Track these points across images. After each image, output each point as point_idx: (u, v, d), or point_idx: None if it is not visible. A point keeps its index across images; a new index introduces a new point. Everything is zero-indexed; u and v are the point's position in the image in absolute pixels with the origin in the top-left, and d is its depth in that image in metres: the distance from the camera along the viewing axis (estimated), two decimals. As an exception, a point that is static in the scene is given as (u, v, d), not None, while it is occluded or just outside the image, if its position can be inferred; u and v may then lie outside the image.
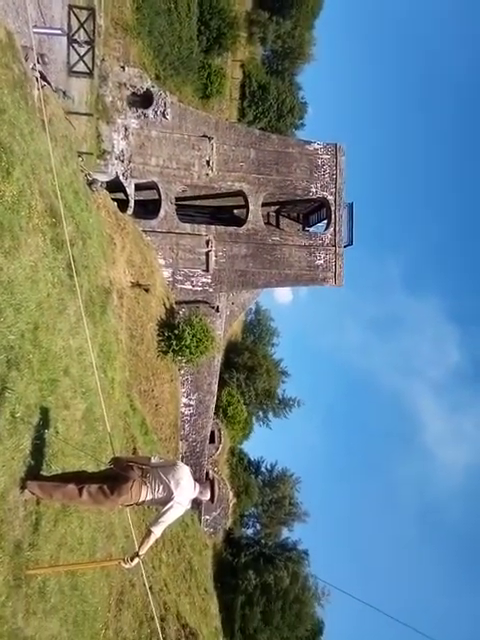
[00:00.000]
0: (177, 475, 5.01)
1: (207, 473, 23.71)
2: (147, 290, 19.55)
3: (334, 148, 22.62)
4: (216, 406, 25.82)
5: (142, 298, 19.58)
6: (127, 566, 4.78)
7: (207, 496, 5.31)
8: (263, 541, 35.55)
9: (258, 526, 38.23)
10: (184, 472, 5.10)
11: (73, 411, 6.81)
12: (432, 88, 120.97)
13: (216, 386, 24.15)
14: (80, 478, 4.95)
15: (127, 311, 18.86)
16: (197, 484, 5.21)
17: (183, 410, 23.12)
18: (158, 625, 8.17)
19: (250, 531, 38.04)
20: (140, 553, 4.78)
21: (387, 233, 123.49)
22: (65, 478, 5.00)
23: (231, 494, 29.20)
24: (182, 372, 22.33)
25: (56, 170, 8.10)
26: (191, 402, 23.38)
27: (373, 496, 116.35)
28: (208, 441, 25.33)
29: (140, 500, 4.93)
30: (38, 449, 5.17)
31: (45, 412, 5.53)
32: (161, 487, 4.93)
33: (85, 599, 6.56)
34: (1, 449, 4.42)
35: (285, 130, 35.18)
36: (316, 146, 22.57)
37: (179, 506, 4.92)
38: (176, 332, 19.85)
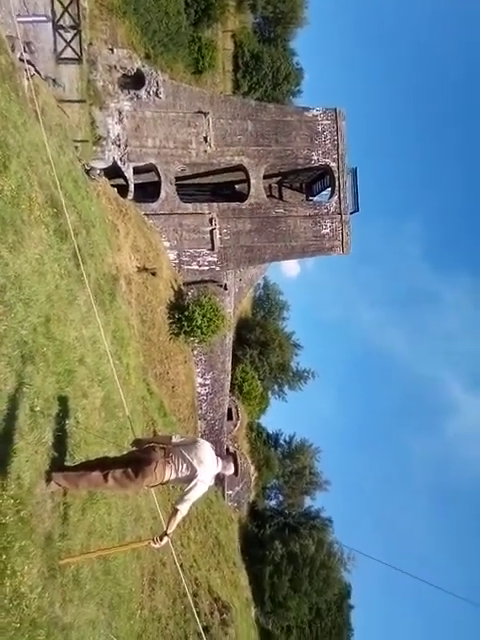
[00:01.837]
0: (199, 452, 5.04)
1: (227, 448, 24.01)
2: (154, 274, 19.51)
3: (334, 113, 22.10)
4: (231, 383, 25.97)
5: (150, 282, 19.56)
6: (157, 546, 4.86)
7: (231, 470, 5.35)
8: (287, 511, 36.14)
9: (281, 497, 38.84)
10: (206, 448, 5.14)
11: (92, 400, 6.86)
12: (429, 45, 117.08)
13: (230, 364, 24.25)
14: (104, 464, 5.01)
15: (136, 296, 18.88)
16: (220, 459, 5.24)
17: (199, 390, 23.30)
18: (191, 600, 8.35)
19: (273, 503, 38.70)
20: (168, 532, 4.84)
21: (396, 200, 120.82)
22: (89, 466, 5.06)
23: (252, 468, 29.60)
24: (195, 353, 22.42)
25: (53, 160, 8.01)
26: (206, 381, 23.53)
27: (389, 464, 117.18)
28: (226, 418, 25.58)
29: (165, 480, 4.98)
30: (60, 440, 5.23)
31: (64, 403, 5.58)
32: (184, 465, 4.97)
33: (118, 582, 6.71)
34: (23, 444, 4.46)
35: (282, 98, 34.43)
36: (315, 112, 22.07)
37: (203, 483, 4.97)
38: (186, 313, 19.88)
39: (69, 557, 4.78)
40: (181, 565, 10.21)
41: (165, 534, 4.90)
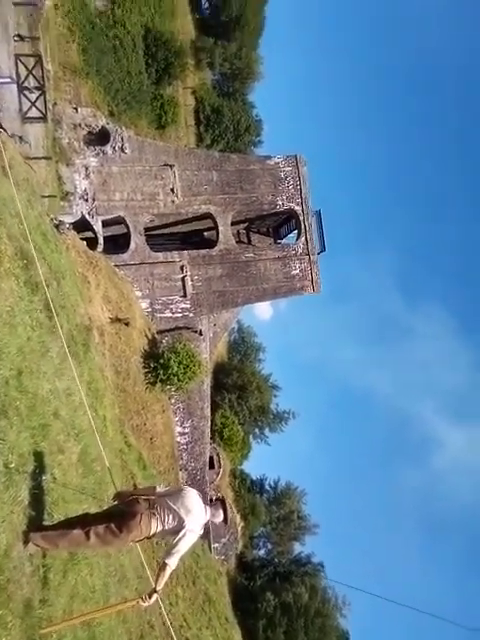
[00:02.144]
0: (186, 501, 4.85)
1: (211, 498, 23.31)
2: (127, 324, 19.38)
3: (294, 159, 22.95)
4: (211, 430, 25.54)
5: (123, 332, 19.39)
6: (146, 604, 4.58)
7: (220, 517, 5.15)
8: (276, 559, 35.03)
9: (269, 545, 37.72)
10: (193, 496, 4.94)
11: (68, 455, 6.62)
12: (378, 85, 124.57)
13: (209, 410, 23.91)
14: (85, 521, 4.76)
15: (109, 347, 18.64)
16: (208, 507, 5.05)
17: (179, 439, 22.79)
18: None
19: (262, 552, 37.55)
20: (157, 588, 4.58)
21: (366, 238, 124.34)
22: (69, 524, 4.80)
23: (238, 517, 28.74)
24: (173, 401, 22.06)
25: (22, 214, 8.02)
26: (186, 430, 23.07)
27: (377, 500, 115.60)
28: (208, 467, 24.98)
29: (151, 533, 4.74)
30: (37, 498, 4.98)
31: (40, 459, 5.35)
32: (171, 516, 4.75)
33: (105, 649, 6.30)
34: (-1, 504, 4.24)
35: (244, 149, 35.66)
36: (276, 160, 22.88)
37: (192, 533, 4.76)
38: (161, 361, 19.67)
39: (51, 625, 4.46)
40: (170, 625, 9.65)
41: (154, 591, 4.63)
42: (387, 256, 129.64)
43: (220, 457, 28.44)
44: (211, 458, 26.66)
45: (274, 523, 36.69)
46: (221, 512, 5.21)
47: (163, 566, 4.68)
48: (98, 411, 10.47)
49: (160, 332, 20.98)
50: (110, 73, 22.62)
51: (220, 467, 28.19)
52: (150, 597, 4.60)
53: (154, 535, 4.86)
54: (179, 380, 19.91)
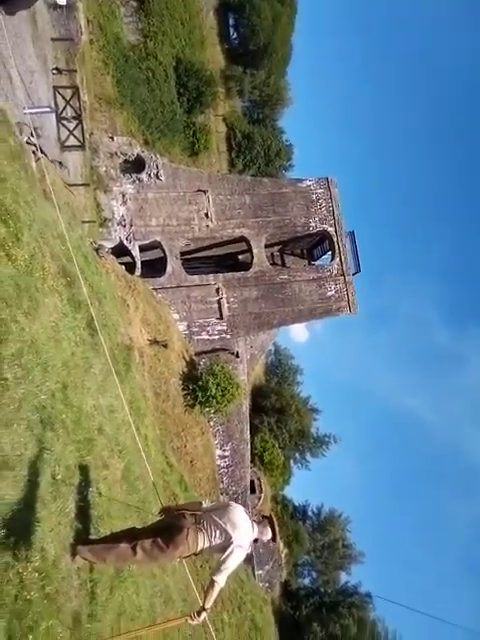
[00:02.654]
0: (233, 517, 4.68)
1: (262, 514, 22.78)
2: (165, 346, 19.49)
3: (326, 182, 23.04)
4: (251, 454, 25.19)
5: (162, 354, 19.51)
6: (194, 622, 4.40)
7: (268, 535, 4.94)
8: (322, 589, 33.85)
9: (314, 574, 36.50)
10: (239, 512, 4.77)
11: (113, 471, 6.58)
12: (405, 103, 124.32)
13: (248, 433, 23.63)
14: (132, 535, 4.65)
15: (149, 369, 18.76)
16: (255, 524, 4.87)
17: (219, 462, 22.55)
18: None
19: (307, 580, 36.34)
20: (206, 606, 4.41)
21: (409, 261, 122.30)
22: (116, 538, 4.70)
23: (281, 544, 28.01)
24: (212, 423, 21.92)
25: (63, 236, 8.21)
26: (226, 453, 22.83)
27: (423, 527, 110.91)
28: (249, 491, 24.57)
29: (198, 549, 4.58)
30: (83, 512, 4.92)
31: (85, 472, 5.32)
32: (218, 532, 4.60)
33: (152, 672, 6.11)
34: (46, 514, 4.19)
35: (275, 173, 35.99)
36: (308, 183, 22.99)
37: (240, 549, 4.57)
38: (200, 383, 19.63)
39: (100, 640, 4.35)
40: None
41: (203, 609, 4.45)
42: (429, 279, 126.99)
43: (261, 481, 27.95)
44: (252, 482, 26.24)
45: (318, 551, 35.59)
46: (269, 530, 5.01)
47: (211, 583, 4.50)
48: (140, 430, 10.45)
49: (198, 354, 21.02)
50: (144, 103, 23.38)
51: (261, 492, 27.67)
52: (199, 615, 4.43)
53: (201, 551, 4.69)
54: (218, 402, 19.80)
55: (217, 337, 21.69)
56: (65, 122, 12.78)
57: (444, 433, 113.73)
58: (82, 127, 13.11)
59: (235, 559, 4.59)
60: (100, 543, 4.72)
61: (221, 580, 4.47)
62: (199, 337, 21.24)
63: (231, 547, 4.54)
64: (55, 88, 12.82)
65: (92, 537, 4.93)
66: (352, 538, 37.38)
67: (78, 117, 12.94)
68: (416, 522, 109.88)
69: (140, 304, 18.49)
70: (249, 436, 23.77)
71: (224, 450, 22.77)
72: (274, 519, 5.12)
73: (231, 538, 4.57)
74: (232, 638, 10.82)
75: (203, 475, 20.88)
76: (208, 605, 4.46)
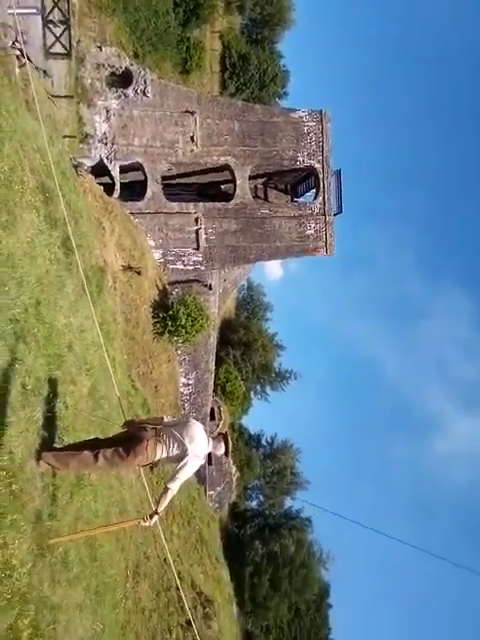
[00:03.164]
0: (191, 431, 5.07)
1: (219, 432, 23.84)
2: (139, 273, 19.45)
3: (319, 115, 22.32)
4: (214, 383, 25.96)
5: (135, 281, 19.50)
6: (146, 524, 4.85)
7: (222, 450, 5.37)
8: (268, 512, 36.25)
9: (262, 498, 38.92)
10: (197, 428, 5.16)
11: (80, 387, 6.85)
12: (414, 47, 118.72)
13: (213, 364, 24.24)
14: (94, 445, 5.02)
15: (121, 295, 18.80)
16: (211, 439, 5.27)
17: (182, 389, 23.23)
18: (182, 592, 8.36)
19: (254, 503, 38.81)
20: (158, 510, 4.85)
21: (391, 208, 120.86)
22: (79, 446, 5.06)
23: (234, 468, 29.57)
24: (179, 352, 22.36)
25: (44, 150, 7.99)
26: (190, 381, 23.47)
27: (370, 469, 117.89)
28: (209, 418, 25.56)
29: (156, 458, 4.98)
30: (50, 422, 5.22)
31: (54, 386, 5.57)
32: (176, 444, 4.98)
33: (104, 570, 6.69)
34: (15, 420, 4.46)
35: (268, 100, 34.65)
36: (301, 114, 22.26)
37: (195, 459, 4.97)
38: (171, 313, 19.84)
39: (58, 537, 4.77)
40: (165, 559, 10.19)
41: (155, 513, 4.91)
42: (409, 228, 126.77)
43: (221, 409, 29.02)
44: (212, 410, 27.23)
45: (268, 477, 37.78)
46: (222, 445, 5.42)
47: (165, 490, 4.94)
48: (108, 352, 10.70)
49: (171, 283, 21.06)
50: (137, 11, 21.82)
51: (221, 419, 28.80)
52: (151, 518, 4.88)
53: (159, 461, 5.10)
54: (187, 332, 20.12)
55: (192, 268, 21.67)
56: (51, 26, 11.94)
57: (400, 383, 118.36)
58: (69, 33, 12.28)
59: (189, 469, 5.01)
60: (64, 450, 5.06)
61: (174, 487, 4.91)
62: (174, 266, 21.19)
63: (186, 458, 4.95)
64: (43, -15, 11.86)
65: (56, 446, 5.25)
66: (300, 467, 39.72)
67: (66, 22, 12.09)
68: (362, 459, 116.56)
69: (116, 228, 18.22)
70: (214, 367, 24.41)
71: (188, 378, 23.39)
72: (228, 436, 5.54)
73: (187, 450, 4.97)
74: (180, 548, 11.73)
75: (166, 401, 21.56)
76: (160, 509, 4.91)
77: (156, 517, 4.84)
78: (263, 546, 30.70)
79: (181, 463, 4.93)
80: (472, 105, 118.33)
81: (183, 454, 4.95)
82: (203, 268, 21.65)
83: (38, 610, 4.06)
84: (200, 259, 21.55)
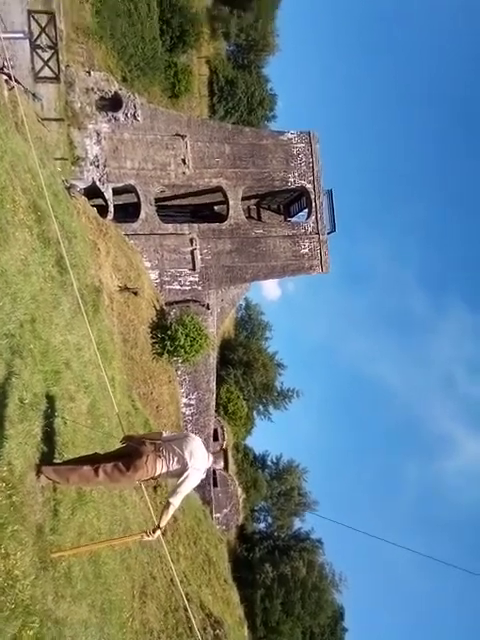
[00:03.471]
0: (190, 445, 5.05)
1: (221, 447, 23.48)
2: (136, 293, 19.51)
3: (308, 136, 22.74)
4: (216, 404, 25.84)
5: (132, 302, 19.54)
6: (149, 538, 4.81)
7: (221, 465, 5.34)
8: (276, 534, 35.70)
9: (269, 519, 38.42)
10: (196, 442, 5.15)
11: (78, 404, 6.80)
12: (401, 61, 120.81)
13: (214, 383, 24.14)
14: (95, 459, 4.97)
15: (118, 315, 18.82)
16: (210, 454, 5.24)
17: (184, 410, 23.09)
18: (191, 613, 8.18)
19: (262, 525, 38.31)
20: (161, 525, 4.81)
21: (380, 218, 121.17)
22: (80, 461, 5.01)
23: (240, 490, 29.19)
24: (179, 372, 22.30)
25: (35, 170, 8.08)
26: (191, 401, 23.35)
27: (377, 486, 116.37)
28: (212, 439, 25.35)
29: (156, 474, 4.95)
30: (49, 437, 5.17)
31: (52, 402, 5.53)
32: (175, 459, 4.96)
33: (109, 588, 6.55)
34: (14, 433, 4.41)
35: (257, 123, 35.27)
36: (290, 136, 22.67)
37: (196, 473, 4.95)
38: (169, 333, 19.84)
39: (61, 551, 4.68)
40: (171, 580, 9.98)
41: (157, 527, 4.87)
42: (409, 243, 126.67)
43: (224, 430, 28.79)
44: (215, 430, 27.03)
45: (275, 498, 37.31)
46: (222, 460, 5.40)
47: (167, 505, 4.90)
48: (107, 372, 10.65)
49: (168, 304, 21.11)
50: (124, 37, 22.34)
51: (224, 440, 28.55)
52: (154, 532, 4.83)
53: (159, 476, 5.08)
54: (186, 352, 20.10)
55: (188, 288, 21.77)
56: (39, 51, 12.19)
57: (406, 401, 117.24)
58: (57, 58, 12.53)
59: (190, 483, 4.99)
60: (64, 465, 5.01)
61: (176, 502, 4.87)
62: (170, 287, 21.28)
63: (187, 472, 4.93)
64: (30, 12, 12.14)
65: (56, 461, 5.20)
66: (307, 487, 39.27)
67: (54, 47, 12.35)
68: (369, 478, 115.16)
69: (111, 249, 18.33)
70: (215, 387, 24.31)
71: (190, 399, 23.27)
72: (228, 451, 5.51)
73: (187, 465, 4.94)
74: (187, 568, 11.49)
75: (168, 421, 21.39)
76: (162, 524, 4.86)
77: (159, 531, 4.80)
78: (273, 569, 30.17)
79: (182, 477, 4.92)
80: (465, 112, 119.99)
81: (183, 468, 4.94)
82: (200, 288, 21.74)
83: (42, 623, 3.97)
84: (196, 279, 21.66)
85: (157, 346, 20.20)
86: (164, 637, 8.37)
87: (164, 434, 5.33)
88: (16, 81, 8.16)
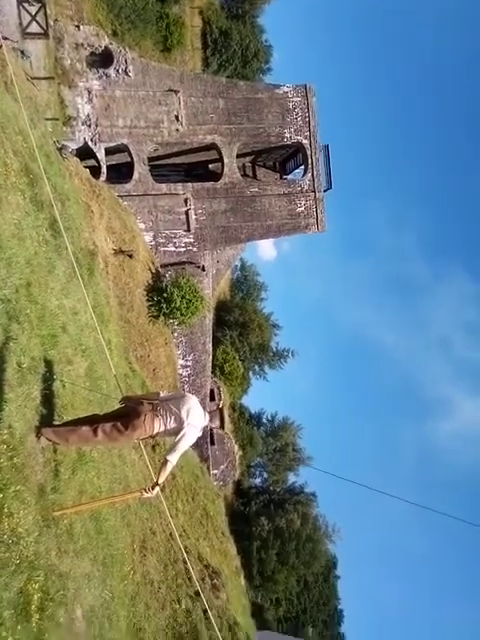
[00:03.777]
0: (187, 404, 5.18)
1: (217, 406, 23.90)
2: (131, 256, 19.40)
3: (304, 89, 22.12)
4: (213, 365, 26.12)
5: (127, 264, 19.44)
6: (148, 495, 4.97)
7: (217, 423, 5.50)
8: (271, 488, 36.81)
9: (265, 475, 39.53)
10: (193, 401, 5.27)
11: (76, 367, 6.90)
12: (401, 14, 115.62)
13: (210, 345, 24.34)
14: (93, 420, 5.11)
15: (113, 279, 18.76)
16: (207, 413, 5.39)
17: (181, 371, 23.35)
18: (189, 564, 8.53)
19: (258, 480, 39.43)
20: (159, 482, 4.97)
21: (378, 177, 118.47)
22: (78, 422, 5.15)
23: (236, 447, 29.89)
24: (175, 334, 22.43)
25: (26, 132, 7.92)
26: (188, 363, 23.58)
27: (372, 443, 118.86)
28: (208, 399, 25.75)
29: (154, 432, 5.10)
30: (48, 399, 5.28)
31: (50, 365, 5.62)
32: (172, 418, 5.09)
33: (110, 543, 6.81)
34: (13, 396, 4.51)
35: (252, 76, 34.21)
36: (285, 89, 22.04)
37: (192, 430, 5.09)
38: (165, 295, 19.85)
39: (63, 508, 4.87)
40: (170, 534, 10.37)
41: (156, 484, 5.02)
42: (406, 203, 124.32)
43: (220, 390, 29.21)
44: (211, 391, 27.42)
45: (270, 454, 38.28)
46: (218, 418, 5.55)
47: (165, 462, 5.06)
48: (104, 335, 10.72)
49: (163, 266, 21.03)
50: (113, -12, 21.46)
51: (220, 399, 29.01)
52: (152, 489, 5.00)
53: (157, 434, 5.22)
54: (182, 314, 20.16)
55: (183, 250, 21.63)
56: (26, 4, 11.70)
57: (404, 364, 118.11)
58: (45, 12, 12.04)
59: (187, 440, 5.14)
60: (63, 426, 5.15)
61: (173, 459, 5.03)
62: (165, 249, 21.14)
63: (183, 430, 5.08)
64: (14, -38, 11.60)
65: (56, 422, 5.33)
66: (302, 443, 40.26)
67: (41, 0, 11.84)
68: (364, 437, 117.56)
69: (105, 211, 18.10)
70: (211, 348, 24.51)
71: (186, 360, 23.49)
72: (223, 410, 5.67)
73: (183, 423, 5.08)
74: (185, 523, 11.91)
75: (165, 383, 21.66)
76: (161, 480, 5.03)
77: (157, 488, 4.96)
78: (269, 521, 31.23)
79: (179, 435, 5.05)
80: (466, 71, 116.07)
81: (180, 426, 5.07)
82: (195, 249, 21.61)
83: (47, 577, 4.18)
84: (191, 240, 21.50)
85: (153, 309, 20.24)
86: (164, 588, 8.77)
87: (161, 394, 5.46)
88: (4, 38, 7.87)
